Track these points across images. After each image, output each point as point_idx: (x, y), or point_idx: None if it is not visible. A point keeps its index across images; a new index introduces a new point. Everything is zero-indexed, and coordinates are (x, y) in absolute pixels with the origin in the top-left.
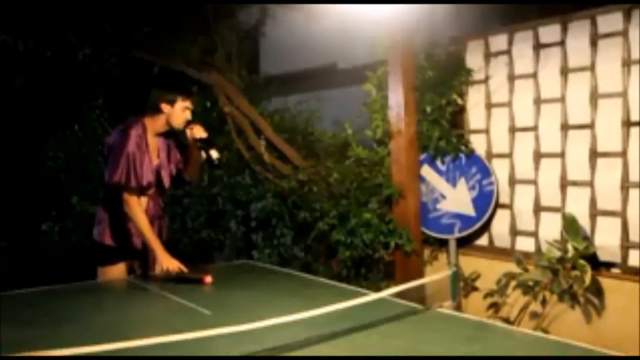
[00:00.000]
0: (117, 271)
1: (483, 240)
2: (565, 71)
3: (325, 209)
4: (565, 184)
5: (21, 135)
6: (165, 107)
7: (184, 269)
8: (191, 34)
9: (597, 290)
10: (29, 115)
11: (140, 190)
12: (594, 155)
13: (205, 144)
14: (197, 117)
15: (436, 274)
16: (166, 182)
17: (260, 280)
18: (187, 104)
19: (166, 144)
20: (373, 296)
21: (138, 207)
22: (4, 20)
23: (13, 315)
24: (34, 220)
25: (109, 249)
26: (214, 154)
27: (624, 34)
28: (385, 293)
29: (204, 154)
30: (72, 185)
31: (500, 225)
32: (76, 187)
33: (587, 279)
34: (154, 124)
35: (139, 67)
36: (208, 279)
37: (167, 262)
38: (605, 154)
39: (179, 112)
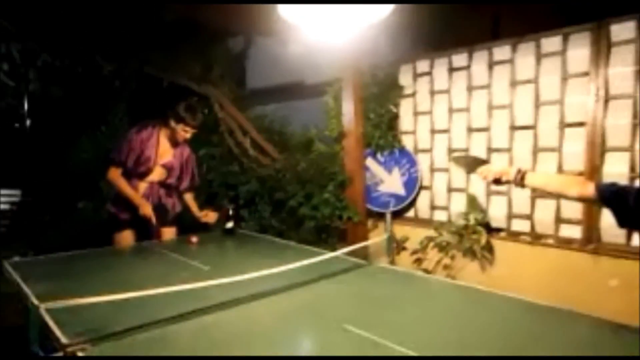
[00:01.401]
0: (126, 236)
1: (410, 213)
2: (470, 88)
3: (294, 190)
4: None
5: (59, 133)
6: (172, 122)
7: (154, 219)
8: (192, 56)
9: (489, 248)
10: (65, 118)
11: (138, 175)
12: (489, 150)
13: (228, 218)
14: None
15: (376, 238)
16: (170, 180)
17: (246, 244)
18: (188, 129)
19: (184, 157)
20: (330, 255)
21: (117, 177)
22: (44, 43)
23: (52, 271)
24: (71, 200)
25: (118, 219)
26: (229, 224)
27: (511, 61)
28: (339, 252)
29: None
30: (100, 173)
31: (423, 201)
32: (102, 174)
33: (483, 240)
34: (167, 130)
35: (152, 80)
36: (194, 239)
37: (144, 209)
38: (496, 150)
39: (180, 131)
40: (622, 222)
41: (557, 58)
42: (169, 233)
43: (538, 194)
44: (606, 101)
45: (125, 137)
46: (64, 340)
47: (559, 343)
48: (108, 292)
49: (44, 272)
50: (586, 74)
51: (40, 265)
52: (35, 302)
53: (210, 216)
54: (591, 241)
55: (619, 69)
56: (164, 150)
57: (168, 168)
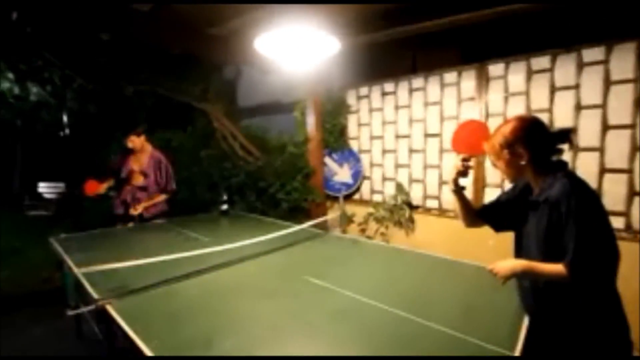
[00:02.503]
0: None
1: (357, 196)
2: (396, 107)
3: (273, 180)
4: (397, 166)
5: (93, 140)
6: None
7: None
8: (194, 81)
9: (411, 220)
10: (97, 128)
11: (120, 179)
12: (410, 151)
13: (226, 202)
14: (200, 131)
15: (332, 214)
16: (145, 183)
17: (237, 220)
18: (128, 139)
19: (158, 165)
20: (299, 227)
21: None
22: (79, 70)
23: (83, 246)
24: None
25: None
26: (224, 207)
27: (424, 89)
28: (305, 225)
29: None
30: None
31: (365, 188)
32: None
33: (407, 214)
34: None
35: (163, 99)
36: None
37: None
38: (415, 151)
39: (127, 143)
40: (496, 227)
41: (455, 87)
42: None
43: (444, 181)
44: (487, 117)
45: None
46: (95, 295)
47: (454, 283)
48: (128, 259)
49: (80, 246)
50: (473, 98)
51: (79, 240)
52: (72, 267)
53: (135, 209)
54: None
55: (495, 95)
56: (139, 162)
57: (144, 175)
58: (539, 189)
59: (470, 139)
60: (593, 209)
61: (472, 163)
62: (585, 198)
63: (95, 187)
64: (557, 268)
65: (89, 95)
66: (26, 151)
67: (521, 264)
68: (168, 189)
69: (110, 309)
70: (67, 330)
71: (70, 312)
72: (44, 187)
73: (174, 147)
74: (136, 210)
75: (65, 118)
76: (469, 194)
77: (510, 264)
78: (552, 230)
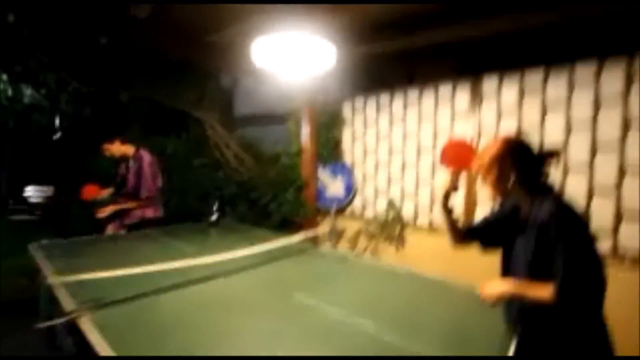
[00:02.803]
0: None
1: (349, 211)
2: (391, 121)
3: (265, 192)
4: (390, 181)
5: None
6: None
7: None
8: (191, 87)
9: (402, 236)
10: (90, 133)
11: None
12: (403, 166)
13: (213, 212)
14: (194, 138)
15: (323, 228)
16: (129, 188)
17: (227, 231)
18: (103, 149)
19: (135, 169)
20: (289, 240)
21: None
22: (74, 73)
23: (64, 253)
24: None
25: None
26: (214, 217)
27: (419, 102)
28: (296, 238)
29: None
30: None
31: (357, 202)
32: None
33: (398, 230)
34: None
35: (159, 105)
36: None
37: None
38: (408, 166)
39: (104, 151)
40: (484, 246)
41: (449, 101)
42: None
43: (435, 198)
44: (480, 133)
45: None
46: (68, 307)
47: (443, 304)
48: (110, 268)
49: (61, 253)
50: (466, 114)
51: (61, 247)
52: (46, 275)
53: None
54: None
55: (487, 112)
56: (125, 167)
57: (126, 179)
58: (527, 210)
59: (458, 153)
60: (580, 232)
61: (461, 178)
62: (572, 221)
63: (94, 192)
64: (545, 289)
65: (84, 99)
66: (16, 153)
67: (509, 286)
68: (140, 195)
69: (84, 321)
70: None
71: (41, 325)
72: (30, 191)
73: (169, 154)
74: (102, 213)
75: (57, 121)
76: (459, 209)
77: (499, 288)
78: (540, 252)
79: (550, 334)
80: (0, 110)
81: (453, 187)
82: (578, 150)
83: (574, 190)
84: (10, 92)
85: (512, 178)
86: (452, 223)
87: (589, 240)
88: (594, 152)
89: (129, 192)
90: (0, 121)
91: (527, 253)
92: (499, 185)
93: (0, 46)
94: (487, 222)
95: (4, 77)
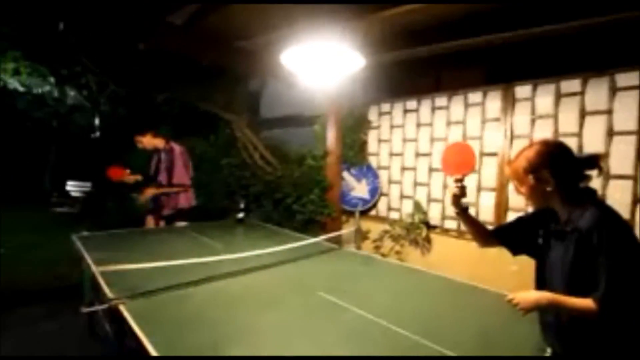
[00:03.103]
0: (149, 220)
1: (373, 212)
2: (418, 124)
3: (289, 192)
4: (416, 184)
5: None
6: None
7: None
8: (220, 91)
9: (428, 240)
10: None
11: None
12: (430, 170)
13: (240, 211)
14: (223, 139)
15: (347, 229)
16: (160, 179)
17: (252, 230)
18: (135, 141)
19: (167, 160)
20: (313, 240)
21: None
22: (113, 77)
23: (103, 245)
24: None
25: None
26: (240, 215)
27: (448, 108)
28: (320, 238)
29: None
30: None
31: (382, 204)
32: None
33: (424, 234)
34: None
35: (190, 107)
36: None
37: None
38: (435, 170)
39: (136, 143)
40: (513, 250)
41: (479, 107)
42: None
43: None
44: (512, 139)
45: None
46: (109, 295)
47: (469, 309)
48: (144, 261)
49: (100, 244)
50: (498, 119)
51: (99, 239)
52: (91, 264)
53: (143, 195)
54: None
55: (521, 117)
56: (157, 159)
57: (159, 171)
58: (566, 218)
59: (457, 159)
60: (626, 241)
61: (465, 183)
62: (618, 230)
63: (120, 174)
64: (585, 303)
65: (121, 100)
66: (59, 151)
67: (546, 296)
68: (172, 181)
69: (122, 309)
70: (80, 327)
71: (85, 310)
72: (71, 186)
73: (197, 154)
74: (144, 197)
75: (97, 121)
76: (490, 217)
77: (534, 295)
78: (580, 262)
79: (589, 351)
80: (46, 110)
81: (460, 193)
82: (621, 155)
83: (618, 197)
84: (56, 94)
85: (551, 183)
86: (472, 223)
87: (635, 247)
88: (638, 157)
89: (161, 183)
90: (46, 120)
91: (565, 263)
92: (537, 191)
93: (50, 51)
94: (517, 224)
95: (52, 79)
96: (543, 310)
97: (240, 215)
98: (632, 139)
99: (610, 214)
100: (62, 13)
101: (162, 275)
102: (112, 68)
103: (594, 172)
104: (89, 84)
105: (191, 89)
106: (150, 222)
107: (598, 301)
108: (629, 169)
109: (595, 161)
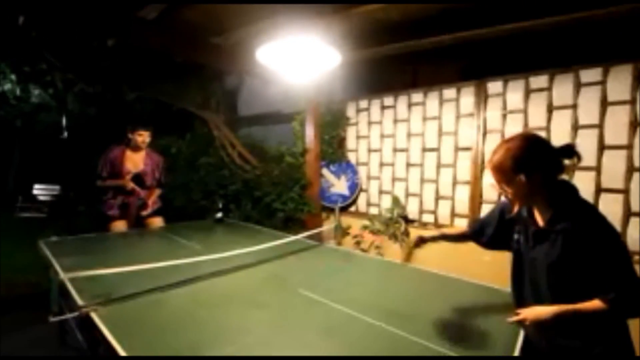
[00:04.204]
0: (118, 225)
1: (353, 208)
2: (395, 121)
3: (269, 190)
4: (394, 179)
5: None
6: (129, 134)
7: (136, 187)
8: (196, 89)
9: (407, 233)
10: (97, 132)
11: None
12: (408, 165)
13: (221, 210)
14: (199, 138)
15: (327, 226)
16: (147, 182)
17: (232, 229)
18: (141, 132)
19: (153, 162)
20: (293, 238)
21: (102, 183)
22: (81, 74)
23: (73, 250)
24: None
25: (106, 215)
26: (219, 215)
27: (424, 103)
28: (300, 236)
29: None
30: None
31: (361, 200)
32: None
33: (402, 228)
34: (130, 145)
35: (165, 106)
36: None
37: (127, 184)
38: (413, 165)
39: (136, 137)
40: (487, 248)
41: (453, 102)
42: (157, 222)
43: (440, 196)
44: (484, 134)
45: (101, 157)
46: (79, 302)
47: (447, 300)
48: (118, 265)
49: (70, 249)
50: (472, 114)
51: (70, 244)
52: (58, 271)
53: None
54: None
55: (493, 112)
56: (133, 162)
57: (143, 174)
58: (549, 217)
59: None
60: (618, 239)
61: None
62: (609, 230)
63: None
64: (595, 305)
65: (90, 98)
66: (24, 152)
67: (553, 310)
68: (162, 182)
69: (94, 316)
70: (50, 337)
71: (53, 319)
72: (38, 189)
73: (173, 153)
74: (147, 210)
75: (64, 121)
76: (465, 209)
77: (544, 312)
78: (567, 262)
79: (569, 339)
80: (9, 109)
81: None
82: (586, 148)
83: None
84: (18, 92)
85: (539, 181)
86: (447, 239)
87: (625, 248)
88: (601, 150)
89: (152, 185)
90: (8, 120)
91: (550, 262)
92: (527, 190)
93: (10, 47)
94: (489, 224)
95: (13, 77)
96: (547, 326)
97: (219, 215)
98: (595, 132)
99: (596, 213)
100: (22, 6)
101: (137, 280)
102: (80, 65)
103: (568, 162)
104: (54, 82)
105: (165, 87)
106: (118, 226)
107: (610, 301)
108: (592, 161)
109: (571, 150)
